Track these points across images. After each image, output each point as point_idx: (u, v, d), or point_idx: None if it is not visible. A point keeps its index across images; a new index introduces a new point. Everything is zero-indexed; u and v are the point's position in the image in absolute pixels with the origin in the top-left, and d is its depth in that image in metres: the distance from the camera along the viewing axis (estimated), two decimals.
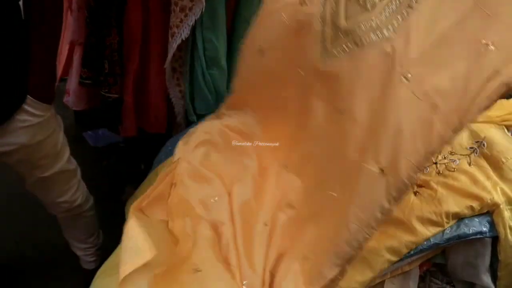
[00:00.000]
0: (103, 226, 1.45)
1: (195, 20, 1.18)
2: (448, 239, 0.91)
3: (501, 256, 0.96)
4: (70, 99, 1.44)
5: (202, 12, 1.16)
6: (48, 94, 0.98)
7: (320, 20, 0.80)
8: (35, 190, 1.15)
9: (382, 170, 0.68)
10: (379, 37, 0.73)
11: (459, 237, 0.92)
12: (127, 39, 1.26)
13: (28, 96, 0.94)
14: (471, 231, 0.93)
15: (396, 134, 0.68)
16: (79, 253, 1.38)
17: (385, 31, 0.73)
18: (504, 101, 1.12)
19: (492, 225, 0.95)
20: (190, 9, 1.18)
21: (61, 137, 1.09)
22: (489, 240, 0.97)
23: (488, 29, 0.67)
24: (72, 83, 1.41)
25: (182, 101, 1.35)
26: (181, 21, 1.19)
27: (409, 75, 0.68)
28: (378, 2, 0.75)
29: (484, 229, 0.94)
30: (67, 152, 1.13)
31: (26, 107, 0.94)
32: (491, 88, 0.65)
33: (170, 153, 1.14)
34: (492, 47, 0.65)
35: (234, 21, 1.25)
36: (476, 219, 0.94)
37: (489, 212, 0.96)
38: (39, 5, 0.89)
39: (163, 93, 1.33)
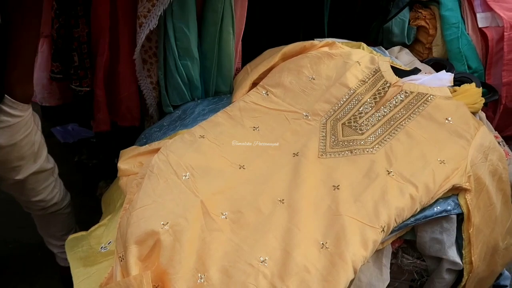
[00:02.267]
0: (78, 222, 1.43)
1: (165, 10, 1.17)
2: (416, 219, 0.96)
3: (465, 235, 1.02)
4: (40, 96, 1.39)
5: (171, 1, 1.15)
6: (26, 94, 0.96)
7: (321, 131, 1.10)
8: (10, 191, 1.12)
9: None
10: (367, 152, 1.04)
11: (425, 216, 0.97)
12: (95, 30, 1.23)
13: (6, 95, 0.91)
14: (436, 210, 0.98)
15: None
16: (55, 250, 1.37)
17: (371, 150, 1.05)
18: (471, 89, 1.18)
19: (457, 204, 1.01)
20: None
21: (38, 137, 1.07)
22: (454, 217, 1.03)
23: (441, 152, 1.03)
24: (40, 78, 1.36)
25: (153, 93, 1.34)
26: (149, 11, 1.18)
27: (392, 171, 0.99)
28: (368, 130, 1.10)
29: (449, 207, 1.00)
30: (44, 152, 1.11)
31: (3, 107, 0.92)
32: (445, 187, 0.98)
33: (144, 145, 1.14)
34: (445, 164, 1.00)
35: (203, 11, 1.24)
36: (441, 200, 1.00)
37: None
38: (19, 7, 0.86)
39: (134, 85, 1.31)
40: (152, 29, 1.18)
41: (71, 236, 1.05)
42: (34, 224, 1.33)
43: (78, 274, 0.93)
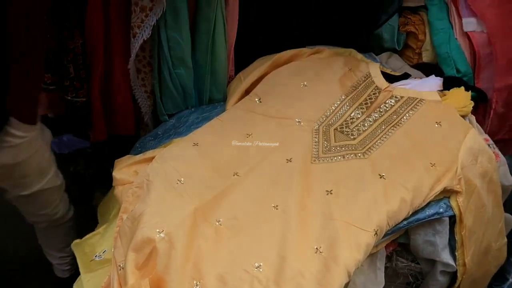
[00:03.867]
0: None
1: (158, 20, 1.18)
2: (408, 222, 0.98)
3: (457, 237, 1.04)
4: None
5: (163, 11, 1.17)
6: (31, 115, 0.97)
7: (314, 137, 1.11)
8: (15, 203, 1.12)
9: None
10: (359, 157, 1.06)
11: (418, 219, 0.98)
12: (90, 41, 1.24)
13: (11, 117, 0.91)
14: (428, 213, 0.99)
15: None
16: (54, 261, 1.37)
17: (363, 154, 1.06)
18: (460, 93, 1.20)
19: (449, 206, 1.02)
20: (151, 9, 1.18)
21: (46, 155, 1.07)
22: (446, 220, 1.04)
23: (431, 155, 1.04)
24: None
25: (148, 101, 1.35)
26: (142, 21, 1.19)
27: (384, 175, 1.00)
28: (359, 135, 1.12)
29: (441, 210, 1.01)
30: (52, 169, 1.11)
31: (8, 128, 0.92)
32: (436, 189, 1.00)
33: (139, 154, 1.15)
34: (436, 167, 1.02)
35: (195, 20, 1.26)
36: (433, 203, 1.01)
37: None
38: (22, 28, 0.86)
39: (129, 94, 1.32)
40: (145, 39, 1.20)
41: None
42: (29, 236, 1.33)
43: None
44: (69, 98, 1.30)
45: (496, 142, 1.24)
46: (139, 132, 1.43)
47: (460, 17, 1.41)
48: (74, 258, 1.37)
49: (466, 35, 1.40)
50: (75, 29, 1.24)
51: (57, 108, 1.39)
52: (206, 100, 1.34)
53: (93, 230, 1.19)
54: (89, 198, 1.73)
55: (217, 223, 0.91)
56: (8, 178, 1.01)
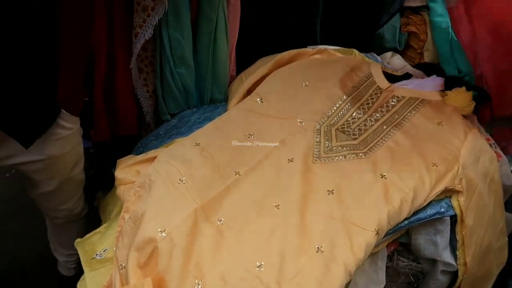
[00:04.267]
0: None
1: (160, 20, 1.19)
2: (410, 222, 0.98)
3: (458, 236, 1.04)
4: None
5: (165, 11, 1.17)
6: (78, 107, 1.01)
7: (316, 135, 1.11)
8: (38, 199, 1.14)
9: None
10: (361, 157, 1.06)
11: (419, 219, 0.98)
12: (92, 41, 1.24)
13: (62, 109, 0.96)
14: (429, 212, 0.99)
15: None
16: (61, 259, 1.38)
17: (365, 154, 1.07)
18: (462, 93, 1.20)
19: (450, 206, 1.02)
20: (153, 8, 1.18)
21: (81, 148, 1.12)
22: (447, 219, 1.04)
23: (432, 155, 1.05)
24: None
25: (150, 101, 1.35)
26: (144, 21, 1.19)
27: (385, 174, 1.01)
28: (361, 135, 1.12)
29: (442, 209, 1.01)
30: (82, 163, 1.16)
31: (60, 120, 0.96)
32: (438, 189, 1.00)
33: (141, 154, 1.15)
34: (437, 166, 1.02)
35: (197, 20, 1.26)
36: (434, 202, 1.01)
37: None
38: (68, 24, 0.90)
39: (132, 94, 1.32)
40: (147, 38, 1.20)
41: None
42: (31, 237, 1.34)
43: None
44: None
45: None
46: (141, 132, 1.43)
47: None
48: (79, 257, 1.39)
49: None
50: None
51: None
52: (208, 100, 1.35)
53: (93, 229, 1.19)
54: (91, 199, 1.73)
55: (218, 223, 0.91)
56: (49, 170, 1.04)
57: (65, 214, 1.21)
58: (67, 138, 1.01)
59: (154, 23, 1.18)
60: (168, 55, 1.24)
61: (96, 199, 1.73)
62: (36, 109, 0.92)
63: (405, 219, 0.97)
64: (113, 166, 1.84)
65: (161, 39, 1.23)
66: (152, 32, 1.19)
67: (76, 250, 1.34)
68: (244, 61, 1.38)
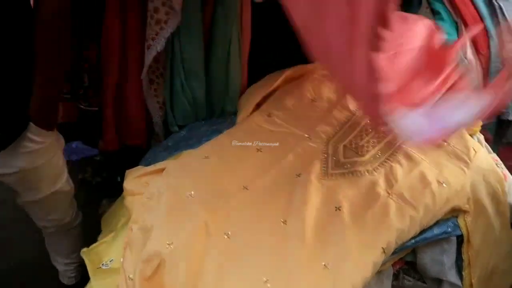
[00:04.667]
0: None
1: (173, 33, 1.21)
2: (416, 241, 0.98)
3: (464, 256, 1.03)
4: None
5: (178, 25, 1.19)
6: (50, 121, 0.98)
7: (323, 153, 1.11)
8: (26, 207, 1.14)
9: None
10: (368, 174, 1.06)
11: (425, 238, 0.98)
12: (105, 52, 1.27)
13: (31, 123, 0.94)
14: (436, 232, 0.99)
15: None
16: (60, 267, 1.37)
17: (372, 171, 1.07)
18: None
19: (457, 225, 1.02)
20: (166, 22, 1.20)
21: (60, 161, 1.09)
22: (454, 239, 1.04)
23: (440, 173, 1.04)
24: None
25: (160, 112, 1.37)
26: (157, 33, 1.22)
27: (392, 193, 1.00)
28: (368, 151, 1.12)
29: (449, 229, 1.01)
30: (64, 175, 1.13)
31: (28, 134, 0.94)
32: (445, 209, 1.00)
33: (149, 165, 1.16)
34: (444, 185, 1.02)
35: (211, 34, 1.28)
36: (441, 222, 1.01)
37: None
38: (45, 36, 0.89)
39: (141, 104, 1.34)
40: (159, 51, 1.22)
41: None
42: (37, 242, 1.34)
43: None
44: (82, 107, 1.33)
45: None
46: (149, 142, 1.44)
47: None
48: (80, 265, 1.38)
49: (476, 53, 1.41)
50: (92, 40, 1.27)
51: (72, 116, 1.41)
52: (219, 112, 1.36)
53: (97, 237, 1.20)
54: (95, 206, 1.74)
55: (225, 236, 0.92)
56: (23, 182, 1.03)
57: (55, 224, 1.20)
58: (38, 152, 0.98)
59: (167, 36, 1.20)
60: (179, 67, 1.25)
61: (100, 207, 1.73)
62: (3, 120, 0.90)
63: (412, 237, 0.97)
64: (119, 174, 1.86)
65: (173, 52, 1.25)
66: (164, 45, 1.21)
67: (75, 258, 1.35)
68: (254, 75, 1.39)
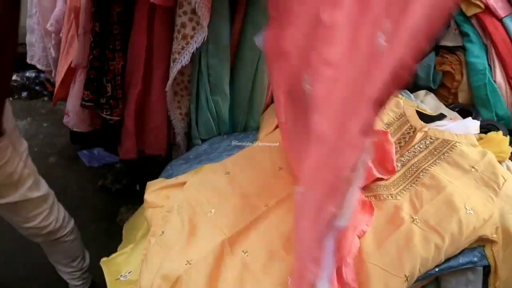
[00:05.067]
0: (96, 246, 1.44)
1: (200, 47, 1.21)
2: (440, 269, 0.94)
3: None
4: (70, 120, 1.45)
5: (205, 40, 1.20)
6: None
7: None
8: (2, 215, 1.11)
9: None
10: (392, 198, 1.04)
11: (450, 267, 0.95)
12: (131, 63, 1.29)
13: None
14: (461, 261, 0.96)
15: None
16: (65, 277, 1.35)
17: (396, 195, 1.05)
18: (498, 138, 1.18)
19: (484, 255, 0.99)
20: (192, 37, 1.21)
21: (20, 167, 1.02)
22: (480, 269, 1.00)
23: (468, 200, 1.00)
24: (73, 104, 1.42)
25: (182, 123, 1.38)
26: (183, 48, 1.23)
27: (417, 218, 0.97)
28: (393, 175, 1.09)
29: (475, 259, 0.97)
30: (29, 181, 1.06)
31: None
32: (471, 238, 0.96)
33: (170, 176, 1.17)
34: (471, 211, 0.98)
35: (239, 49, 1.28)
36: (467, 250, 0.97)
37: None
38: None
39: (164, 116, 1.36)
40: (184, 65, 1.23)
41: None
42: (38, 247, 1.32)
43: None
44: (103, 115, 1.35)
45: None
46: (170, 152, 1.45)
47: (500, 58, 1.39)
48: (85, 272, 1.37)
49: (506, 77, 1.38)
50: (118, 51, 1.30)
51: (96, 124, 1.43)
52: (242, 127, 1.36)
53: (115, 245, 1.20)
54: (114, 213, 1.76)
55: (244, 254, 0.90)
56: None
57: (36, 232, 1.16)
58: None
59: (192, 50, 1.21)
60: (205, 82, 1.26)
61: (119, 214, 1.75)
62: None
63: (436, 266, 0.94)
64: (139, 183, 1.87)
65: (200, 66, 1.26)
66: (189, 59, 1.23)
67: (76, 267, 1.33)
68: None
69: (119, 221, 1.71)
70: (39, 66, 1.81)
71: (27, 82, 2.51)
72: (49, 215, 1.16)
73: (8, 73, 0.95)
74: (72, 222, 1.27)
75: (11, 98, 2.44)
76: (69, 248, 1.29)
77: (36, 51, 1.78)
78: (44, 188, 1.13)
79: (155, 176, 1.22)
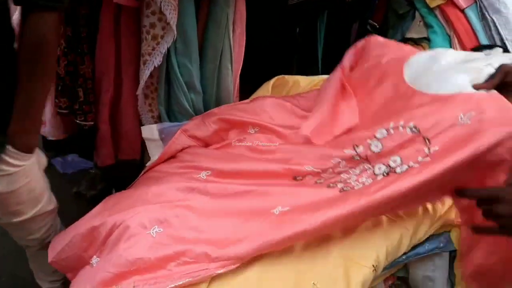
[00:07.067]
0: None
1: (169, 47, 1.21)
2: (407, 256, 0.97)
3: (457, 272, 1.03)
4: (46, 130, 1.41)
5: (174, 39, 1.20)
6: (30, 144, 0.92)
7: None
8: (6, 227, 1.10)
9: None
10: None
11: (417, 253, 0.98)
12: (100, 67, 1.27)
13: (8, 146, 0.88)
14: (428, 247, 0.99)
15: None
16: (44, 285, 1.34)
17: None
18: None
19: (450, 240, 1.02)
20: (162, 37, 1.20)
21: (41, 183, 1.02)
22: (446, 254, 1.04)
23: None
24: (47, 113, 1.39)
25: None
26: (153, 48, 1.21)
27: None
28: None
29: (441, 244, 1.01)
30: (46, 195, 1.06)
31: (4, 156, 0.88)
32: (437, 224, 1.01)
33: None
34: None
35: (202, 47, 1.28)
36: (433, 236, 1.01)
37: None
38: (31, 59, 0.84)
39: (136, 119, 1.34)
40: (156, 66, 1.22)
41: None
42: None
43: None
44: (77, 121, 1.33)
45: None
46: (143, 157, 1.44)
47: (463, 48, 1.44)
48: (64, 283, 1.35)
49: None
50: (86, 55, 1.28)
51: (70, 130, 1.41)
52: None
53: None
54: None
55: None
56: (1, 206, 0.97)
57: (37, 243, 1.15)
58: (15, 175, 0.91)
59: (164, 51, 1.20)
60: (180, 80, 1.25)
61: None
62: None
63: (403, 253, 0.97)
64: (115, 188, 1.85)
65: (169, 66, 1.25)
66: (161, 60, 1.22)
67: (59, 276, 1.28)
68: (245, 87, 1.40)
69: None
70: None
71: None
72: (52, 226, 1.15)
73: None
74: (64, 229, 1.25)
75: None
76: None
77: None
78: (54, 200, 1.12)
79: (131, 180, 1.21)
